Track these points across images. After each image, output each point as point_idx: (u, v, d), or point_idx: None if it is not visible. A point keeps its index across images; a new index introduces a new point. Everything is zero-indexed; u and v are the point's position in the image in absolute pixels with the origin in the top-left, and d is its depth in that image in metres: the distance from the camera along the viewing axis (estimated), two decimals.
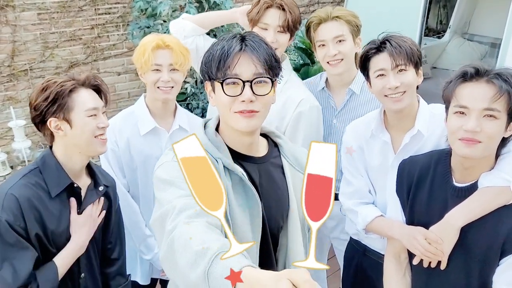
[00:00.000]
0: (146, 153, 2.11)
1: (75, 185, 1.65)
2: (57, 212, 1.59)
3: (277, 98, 2.06)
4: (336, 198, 2.26)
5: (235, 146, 1.39)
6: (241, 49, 1.28)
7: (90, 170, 1.75)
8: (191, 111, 3.93)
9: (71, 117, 1.60)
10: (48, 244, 1.58)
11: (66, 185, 1.61)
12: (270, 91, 1.32)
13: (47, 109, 1.59)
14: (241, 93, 1.27)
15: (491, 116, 1.42)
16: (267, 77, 1.30)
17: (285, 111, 2.08)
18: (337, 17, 2.08)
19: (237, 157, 1.38)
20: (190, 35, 2.27)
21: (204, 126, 1.43)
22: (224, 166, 1.33)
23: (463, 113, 1.46)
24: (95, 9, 3.98)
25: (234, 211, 1.32)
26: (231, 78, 1.27)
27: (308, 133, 2.09)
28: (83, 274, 1.70)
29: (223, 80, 1.28)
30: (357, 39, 2.13)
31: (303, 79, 4.00)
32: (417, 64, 1.75)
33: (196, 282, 0.98)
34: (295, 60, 4.11)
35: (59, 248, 1.61)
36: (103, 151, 1.69)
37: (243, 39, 1.31)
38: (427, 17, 5.58)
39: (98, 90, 1.69)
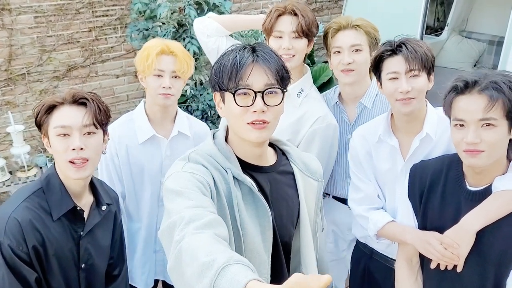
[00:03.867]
0: (145, 161, 2.09)
1: (78, 208, 1.60)
2: (58, 235, 1.55)
3: (294, 111, 2.08)
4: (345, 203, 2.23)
5: (244, 156, 1.39)
6: (253, 60, 1.29)
7: (93, 186, 1.69)
8: (191, 113, 3.90)
9: (48, 134, 1.54)
10: (46, 265, 1.54)
11: (69, 209, 1.57)
12: (281, 101, 1.33)
13: (36, 124, 1.57)
14: (252, 104, 1.28)
15: (489, 125, 1.44)
16: (278, 88, 1.31)
17: (300, 126, 2.04)
18: (357, 26, 2.03)
19: (247, 167, 1.38)
20: (213, 35, 2.23)
21: (213, 136, 1.42)
22: (233, 177, 1.33)
23: (462, 125, 1.48)
24: (93, 11, 3.94)
25: (245, 222, 1.32)
26: (243, 88, 1.28)
27: (322, 151, 2.06)
28: None
29: (235, 91, 1.28)
30: (373, 52, 2.05)
31: None
32: (430, 70, 1.75)
33: None
34: None
35: (56, 269, 1.56)
36: (75, 177, 1.54)
37: (254, 50, 1.32)
38: None
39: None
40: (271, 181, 1.42)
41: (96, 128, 1.56)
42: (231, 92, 1.29)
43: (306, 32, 2.00)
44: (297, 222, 1.49)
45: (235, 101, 1.28)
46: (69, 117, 1.52)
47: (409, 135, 1.83)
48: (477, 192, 1.56)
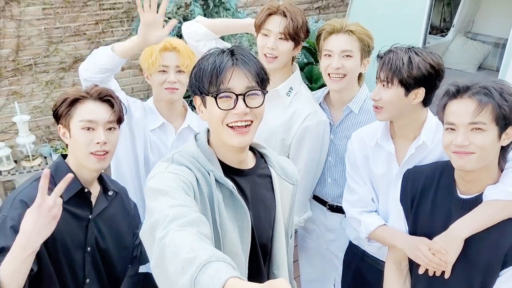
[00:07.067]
0: (151, 148, 2.14)
1: (86, 190, 1.65)
2: (64, 217, 1.56)
3: (285, 110, 2.11)
4: (337, 210, 2.25)
5: (226, 159, 1.41)
6: (233, 63, 1.30)
7: (99, 176, 1.74)
8: (194, 108, 3.93)
9: (70, 126, 1.62)
10: (50, 244, 1.55)
11: (77, 190, 1.61)
12: (262, 103, 1.35)
13: (56, 114, 1.65)
14: (234, 107, 1.30)
15: (478, 129, 1.47)
16: (259, 90, 1.34)
17: (291, 124, 2.07)
18: (351, 31, 2.00)
19: (228, 170, 1.40)
20: (202, 39, 2.25)
21: (195, 138, 1.44)
22: (215, 179, 1.35)
23: (453, 129, 1.51)
24: (100, 4, 3.97)
25: (225, 223, 1.34)
26: (224, 92, 1.29)
27: (313, 148, 2.09)
28: (88, 280, 1.69)
29: (217, 95, 1.30)
30: (364, 60, 2.06)
31: (307, 77, 4.01)
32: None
33: None
34: (298, 59, 4.10)
35: (60, 249, 1.58)
36: (95, 167, 1.62)
37: (232, 53, 1.33)
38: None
39: (112, 105, 1.66)
40: (251, 184, 1.44)
41: (117, 124, 1.68)
42: (212, 96, 1.30)
43: (293, 36, 2.00)
44: (274, 224, 1.52)
45: (217, 105, 1.30)
46: (95, 112, 1.62)
47: (406, 141, 1.84)
48: (467, 200, 1.58)
